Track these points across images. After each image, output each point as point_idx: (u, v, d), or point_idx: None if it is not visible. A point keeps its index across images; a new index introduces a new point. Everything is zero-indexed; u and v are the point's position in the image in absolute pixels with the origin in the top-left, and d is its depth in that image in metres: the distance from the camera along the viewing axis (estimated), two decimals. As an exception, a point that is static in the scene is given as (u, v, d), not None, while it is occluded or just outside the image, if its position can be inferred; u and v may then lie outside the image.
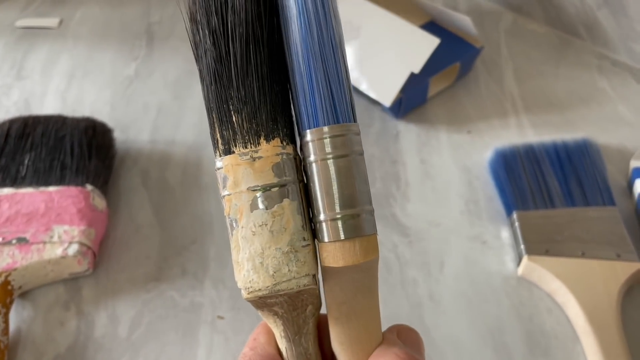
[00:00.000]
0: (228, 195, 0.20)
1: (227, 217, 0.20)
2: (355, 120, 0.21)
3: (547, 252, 0.38)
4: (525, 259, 0.38)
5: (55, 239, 0.37)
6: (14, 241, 0.37)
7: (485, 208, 0.43)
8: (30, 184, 0.40)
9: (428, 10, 0.54)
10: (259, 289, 0.20)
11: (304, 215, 0.20)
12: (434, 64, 0.48)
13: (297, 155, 0.21)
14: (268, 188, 0.20)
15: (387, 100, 0.48)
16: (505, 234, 0.42)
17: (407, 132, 0.49)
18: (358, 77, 0.50)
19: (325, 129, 0.20)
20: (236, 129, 0.21)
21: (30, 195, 0.39)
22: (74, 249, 0.37)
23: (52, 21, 0.61)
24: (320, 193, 0.20)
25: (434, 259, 0.40)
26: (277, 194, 0.20)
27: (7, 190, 0.39)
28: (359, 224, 0.20)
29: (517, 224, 0.40)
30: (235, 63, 0.20)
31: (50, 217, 0.38)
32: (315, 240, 0.21)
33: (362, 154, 0.20)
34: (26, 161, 0.41)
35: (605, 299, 0.36)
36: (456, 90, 0.53)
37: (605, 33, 0.55)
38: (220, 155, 0.21)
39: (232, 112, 0.21)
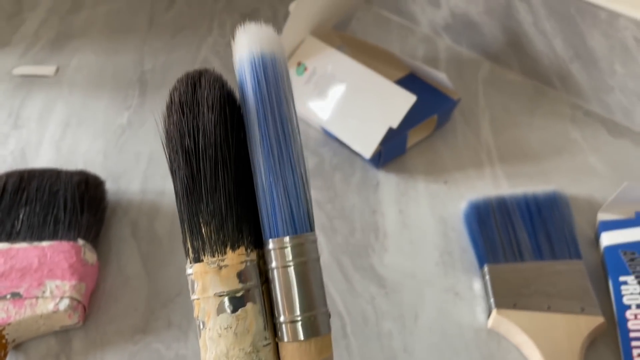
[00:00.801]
0: (197, 299, 0.23)
1: (196, 319, 0.23)
2: (312, 230, 0.23)
3: (514, 306, 0.40)
4: (494, 312, 0.40)
5: (48, 294, 0.39)
6: (8, 296, 0.39)
7: (459, 259, 0.45)
8: (24, 239, 0.42)
9: (408, 64, 0.57)
10: None
11: (265, 316, 0.23)
12: (412, 116, 0.51)
13: (261, 258, 0.24)
14: (233, 293, 0.22)
15: (367, 152, 0.50)
16: (477, 285, 0.44)
17: (387, 181, 0.52)
18: (340, 129, 0.52)
19: (286, 239, 0.23)
20: (205, 240, 0.23)
21: (24, 251, 0.41)
22: (65, 303, 0.39)
23: (49, 69, 0.64)
24: (281, 297, 0.23)
25: (408, 311, 0.42)
26: (241, 299, 0.23)
27: (2, 245, 0.41)
28: (315, 325, 0.22)
29: (487, 277, 0.42)
30: (205, 181, 0.23)
31: (43, 272, 0.40)
32: (276, 337, 0.23)
33: (318, 259, 0.23)
34: (21, 216, 0.43)
35: (568, 353, 0.38)
36: (434, 141, 0.55)
37: (578, 84, 0.58)
38: (190, 263, 0.23)
39: (201, 225, 0.23)
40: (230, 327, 0.22)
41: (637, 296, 0.40)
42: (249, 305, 0.22)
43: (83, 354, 0.40)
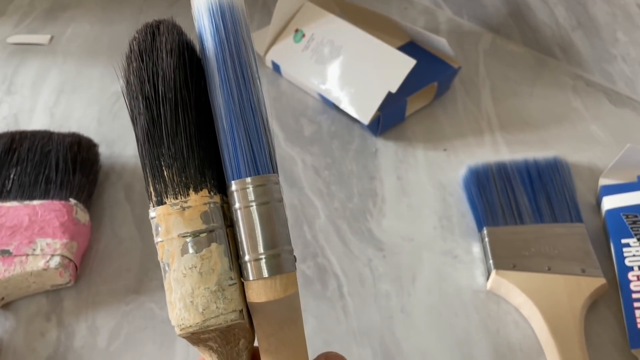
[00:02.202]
0: (161, 241, 0.23)
1: (160, 261, 0.23)
2: (275, 172, 0.24)
3: (514, 267, 0.40)
4: (493, 273, 0.40)
5: (38, 251, 0.38)
6: (-3, 253, 0.38)
7: (458, 224, 0.45)
8: (15, 198, 0.41)
9: (408, 31, 0.56)
10: (190, 326, 0.22)
11: (230, 258, 0.23)
12: (411, 83, 0.50)
13: (225, 203, 0.24)
14: (197, 234, 0.22)
15: (366, 118, 0.49)
16: (476, 249, 0.43)
17: (386, 149, 0.51)
18: (338, 95, 0.51)
19: (248, 179, 0.23)
20: (167, 182, 0.23)
21: (14, 209, 0.40)
22: (55, 261, 0.38)
23: (43, 38, 0.63)
24: (244, 236, 0.23)
25: (406, 273, 0.42)
26: (205, 239, 0.23)
27: (-8, 204, 0.41)
28: (279, 263, 0.22)
29: (487, 239, 0.42)
30: (165, 125, 0.23)
31: (33, 230, 0.39)
32: (242, 277, 0.23)
33: (281, 200, 0.24)
34: (12, 175, 0.42)
35: (569, 314, 0.37)
36: (434, 109, 0.54)
37: (579, 54, 0.57)
38: (153, 206, 0.23)
39: (163, 168, 0.23)
40: (195, 267, 0.22)
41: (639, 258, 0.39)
42: (213, 246, 0.22)
43: (74, 313, 0.39)
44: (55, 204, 0.41)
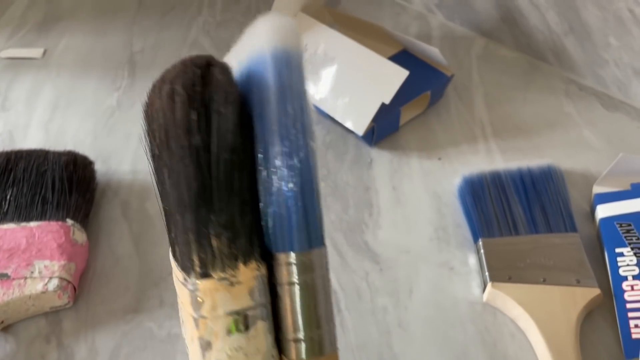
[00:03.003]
0: (203, 318, 0.21)
1: (198, 338, 0.21)
2: (324, 243, 0.21)
3: (510, 279, 0.40)
4: (489, 285, 0.40)
5: (36, 274, 0.38)
6: (-4, 277, 0.38)
7: (454, 234, 0.45)
8: (12, 220, 0.41)
9: (400, 41, 0.56)
10: None
11: (272, 333, 0.21)
12: (405, 93, 0.50)
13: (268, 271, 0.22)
14: (245, 312, 0.21)
15: (360, 129, 0.49)
16: (472, 259, 0.43)
17: (380, 159, 0.51)
18: (333, 106, 0.51)
19: (296, 254, 0.21)
20: (215, 253, 0.21)
21: (12, 231, 0.40)
22: (54, 284, 0.38)
23: (36, 51, 0.63)
24: (287, 314, 0.21)
25: (403, 286, 0.42)
26: (253, 317, 0.21)
27: (-11, 226, 0.41)
28: (320, 345, 0.21)
29: (482, 251, 0.42)
30: (219, 188, 0.20)
31: (31, 253, 0.39)
32: (281, 354, 0.22)
33: (328, 276, 0.21)
34: (8, 196, 0.42)
35: (564, 325, 0.37)
36: (428, 117, 0.54)
37: (572, 59, 0.57)
38: (197, 278, 0.21)
39: (211, 237, 0.21)
40: (241, 348, 0.20)
41: (634, 267, 0.40)
42: (260, 324, 0.21)
43: (74, 334, 0.39)
44: (53, 225, 0.41)
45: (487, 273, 0.40)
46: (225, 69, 0.22)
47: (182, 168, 0.21)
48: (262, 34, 0.22)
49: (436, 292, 0.41)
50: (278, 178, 0.21)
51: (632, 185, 0.44)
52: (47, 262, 0.39)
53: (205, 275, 0.21)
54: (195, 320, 0.21)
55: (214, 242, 0.21)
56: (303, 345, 0.21)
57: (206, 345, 0.21)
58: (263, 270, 0.21)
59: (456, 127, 0.54)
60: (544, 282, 0.39)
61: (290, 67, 0.21)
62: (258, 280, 0.21)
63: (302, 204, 0.21)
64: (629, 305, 0.38)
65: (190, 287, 0.21)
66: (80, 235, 0.42)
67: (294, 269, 0.21)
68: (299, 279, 0.21)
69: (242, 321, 0.20)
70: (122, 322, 0.40)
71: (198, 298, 0.20)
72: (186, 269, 0.21)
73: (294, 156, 0.21)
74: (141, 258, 0.44)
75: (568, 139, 0.52)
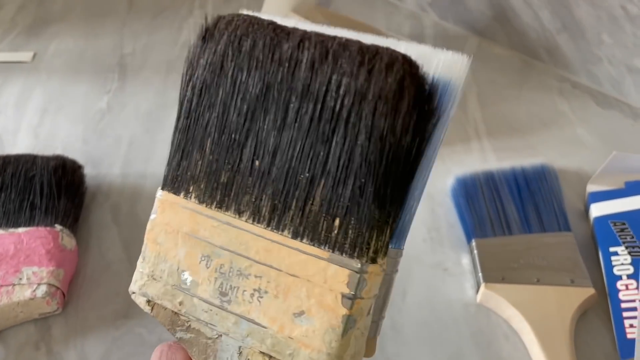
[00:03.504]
0: (360, 298, 0.22)
1: (349, 316, 0.22)
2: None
3: (503, 280, 0.40)
4: (482, 286, 0.40)
5: (24, 281, 0.38)
6: (-17, 284, 0.38)
7: (447, 235, 0.45)
8: (0, 226, 0.41)
9: (392, 39, 0.55)
10: None
11: None
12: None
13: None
14: (376, 297, 0.24)
15: (352, 130, 0.49)
16: (466, 260, 0.43)
17: (373, 160, 0.51)
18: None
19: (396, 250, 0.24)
20: (384, 242, 0.23)
21: (0, 237, 0.40)
22: (42, 290, 0.38)
23: (25, 55, 0.62)
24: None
25: (396, 288, 0.41)
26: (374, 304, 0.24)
27: (-23, 233, 0.40)
28: (377, 329, 0.24)
29: (475, 251, 0.41)
30: (394, 184, 0.23)
31: (19, 259, 0.39)
32: None
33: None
34: (-4, 202, 0.42)
35: (559, 325, 0.37)
36: (421, 117, 0.54)
37: (565, 56, 0.57)
38: (368, 261, 0.22)
39: (387, 227, 0.23)
40: (366, 327, 0.23)
41: (628, 266, 0.39)
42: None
43: (63, 340, 0.39)
44: (41, 231, 0.40)
45: (480, 274, 0.40)
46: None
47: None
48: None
49: (429, 294, 0.41)
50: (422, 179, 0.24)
51: (626, 183, 0.44)
52: (35, 269, 0.39)
53: (374, 260, 0.22)
54: (348, 300, 0.22)
55: (387, 233, 0.23)
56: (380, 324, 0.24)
57: (352, 323, 0.22)
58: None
59: (449, 126, 0.53)
60: (538, 282, 0.39)
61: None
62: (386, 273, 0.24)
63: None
64: (623, 305, 0.38)
65: (356, 267, 0.22)
66: (69, 241, 0.41)
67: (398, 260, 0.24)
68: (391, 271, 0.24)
69: (375, 305, 0.23)
70: (112, 328, 0.39)
71: (364, 279, 0.22)
72: (360, 250, 0.22)
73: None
74: (132, 263, 0.43)
75: (562, 137, 0.52)
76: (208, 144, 0.25)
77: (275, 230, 0.23)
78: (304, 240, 0.23)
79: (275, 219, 0.23)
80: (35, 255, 0.39)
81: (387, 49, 0.22)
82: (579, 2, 0.53)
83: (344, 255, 0.22)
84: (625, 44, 0.52)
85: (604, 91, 0.56)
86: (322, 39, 0.23)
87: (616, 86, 0.55)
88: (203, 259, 0.24)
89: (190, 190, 0.25)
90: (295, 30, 0.24)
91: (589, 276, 0.39)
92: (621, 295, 0.38)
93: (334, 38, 0.23)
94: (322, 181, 0.23)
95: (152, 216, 0.27)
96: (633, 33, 0.51)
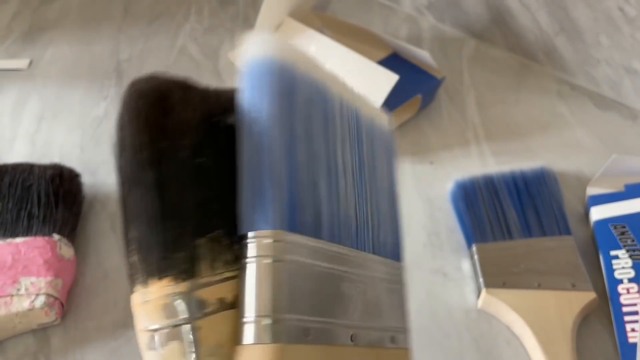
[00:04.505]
0: (136, 332, 0.21)
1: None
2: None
3: (504, 285, 0.39)
4: (483, 292, 0.39)
5: (23, 291, 0.38)
6: (-19, 295, 0.37)
7: (447, 240, 0.45)
8: (-3, 236, 0.40)
9: (390, 44, 0.55)
10: None
11: (198, 353, 0.21)
12: (396, 97, 0.50)
13: (205, 286, 0.22)
14: (158, 329, 0.21)
15: (350, 135, 0.49)
16: (466, 265, 0.43)
17: (372, 164, 0.50)
18: (322, 113, 0.51)
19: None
20: (136, 269, 0.21)
21: (-3, 248, 0.40)
22: (40, 301, 0.37)
23: (21, 62, 0.62)
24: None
25: (397, 294, 0.41)
26: (166, 336, 0.21)
27: (-26, 243, 0.40)
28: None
29: (476, 256, 0.41)
30: (129, 206, 0.22)
31: (17, 270, 0.39)
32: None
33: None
34: (-7, 212, 0.42)
35: (560, 330, 0.37)
36: (419, 121, 0.54)
37: (563, 58, 0.57)
38: (130, 293, 0.22)
39: (132, 253, 0.22)
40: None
41: (629, 270, 0.39)
42: (175, 344, 0.20)
43: (62, 351, 0.38)
44: (39, 241, 0.40)
45: (481, 279, 0.40)
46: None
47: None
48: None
49: (430, 300, 0.41)
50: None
51: (626, 186, 0.43)
52: (33, 279, 0.38)
53: (132, 291, 0.21)
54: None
55: (133, 258, 0.21)
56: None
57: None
58: (183, 287, 0.21)
59: (448, 130, 0.53)
60: (539, 287, 0.39)
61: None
62: (173, 297, 0.21)
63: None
64: (625, 309, 0.38)
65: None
66: (67, 250, 0.41)
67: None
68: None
69: (158, 338, 0.20)
70: (111, 338, 0.39)
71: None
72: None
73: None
74: (130, 271, 0.43)
75: (561, 140, 0.52)
76: None
77: None
78: None
79: None
80: (33, 265, 0.39)
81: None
82: (577, 4, 0.53)
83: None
84: (623, 45, 0.52)
85: (602, 93, 0.56)
86: None
87: (614, 88, 0.55)
88: None
89: None
90: None
91: (589, 280, 0.39)
92: (622, 299, 0.38)
93: None
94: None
95: None
96: (631, 35, 0.51)
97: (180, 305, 0.21)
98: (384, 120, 0.34)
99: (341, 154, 0.27)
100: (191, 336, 0.21)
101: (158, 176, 0.22)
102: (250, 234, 0.22)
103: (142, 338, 0.21)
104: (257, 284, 0.21)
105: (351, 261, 0.26)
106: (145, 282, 0.21)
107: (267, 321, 0.21)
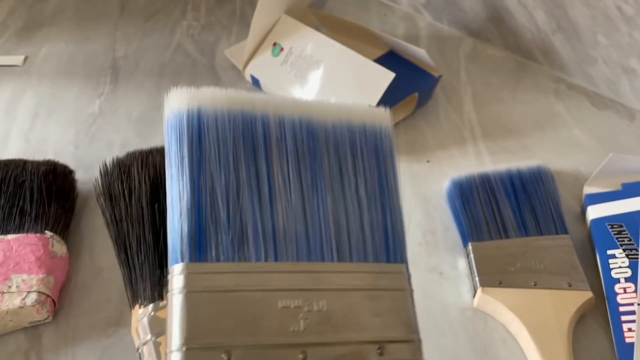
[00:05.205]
0: None
1: None
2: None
3: (500, 284, 0.39)
4: (479, 291, 0.39)
5: (14, 288, 0.37)
6: (-28, 292, 0.37)
7: (443, 238, 0.44)
8: (-11, 233, 0.40)
9: (387, 42, 0.55)
10: None
11: None
12: (392, 95, 0.49)
13: (158, 311, 0.31)
14: (141, 345, 0.28)
15: (347, 133, 0.48)
16: (462, 264, 0.42)
17: (368, 162, 0.50)
18: (318, 110, 0.50)
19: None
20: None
21: (-11, 245, 0.39)
22: (32, 298, 0.37)
23: (16, 59, 0.61)
24: None
25: (392, 293, 0.41)
26: (145, 350, 0.30)
27: (-35, 240, 0.39)
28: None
29: (472, 255, 0.41)
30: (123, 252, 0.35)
31: (8, 267, 0.38)
32: None
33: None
34: (-15, 209, 0.41)
35: (556, 330, 0.37)
36: (416, 119, 0.54)
37: (560, 57, 0.57)
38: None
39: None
40: None
41: (626, 269, 0.39)
42: (150, 358, 0.27)
43: (54, 349, 0.38)
44: (31, 238, 0.40)
45: (477, 278, 0.40)
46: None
47: None
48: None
49: (425, 298, 0.40)
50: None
51: (623, 185, 0.43)
52: (25, 276, 0.38)
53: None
54: None
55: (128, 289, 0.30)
56: None
57: None
58: (145, 311, 0.29)
59: (445, 129, 0.53)
60: (535, 286, 0.39)
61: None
62: (140, 321, 0.28)
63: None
64: (622, 309, 0.37)
65: None
66: (59, 248, 0.40)
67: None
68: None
69: (142, 353, 0.28)
70: (103, 337, 0.39)
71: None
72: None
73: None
74: (123, 269, 0.42)
75: (558, 139, 0.52)
76: None
77: None
78: None
79: None
80: (25, 262, 0.38)
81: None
82: (574, 2, 0.53)
83: None
84: (621, 44, 0.52)
85: (599, 92, 0.56)
86: None
87: (612, 87, 0.55)
88: None
89: None
90: None
91: (586, 280, 0.39)
92: (619, 299, 0.38)
93: None
94: None
95: None
96: (628, 33, 0.51)
97: (145, 326, 0.27)
98: (377, 120, 0.33)
99: (279, 173, 0.29)
100: (154, 350, 0.27)
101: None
102: (169, 270, 0.25)
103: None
104: (169, 317, 0.24)
105: (293, 277, 0.27)
106: (131, 309, 0.28)
107: (178, 355, 0.23)
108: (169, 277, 0.25)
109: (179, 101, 0.29)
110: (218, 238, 0.26)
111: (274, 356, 0.25)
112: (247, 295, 0.26)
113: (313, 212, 0.29)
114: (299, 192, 0.29)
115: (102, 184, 0.39)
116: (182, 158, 0.27)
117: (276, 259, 0.27)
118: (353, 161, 0.31)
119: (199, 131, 0.28)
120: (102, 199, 0.37)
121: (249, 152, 0.29)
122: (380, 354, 0.27)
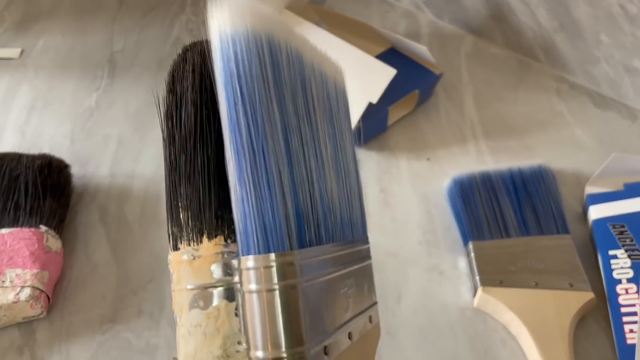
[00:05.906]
0: (173, 291, 0.20)
1: (173, 311, 0.20)
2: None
3: (501, 283, 0.39)
4: (479, 290, 0.39)
5: (7, 283, 0.37)
6: (-36, 287, 0.36)
7: (443, 237, 0.44)
8: (-18, 227, 0.39)
9: (388, 38, 0.54)
10: None
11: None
12: (393, 92, 0.49)
13: None
14: (206, 287, 0.20)
15: (347, 129, 0.48)
16: (462, 263, 0.42)
17: (368, 160, 0.50)
18: (318, 107, 0.50)
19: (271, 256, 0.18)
20: (182, 226, 0.21)
21: (-18, 239, 0.38)
22: (25, 293, 0.36)
23: (13, 52, 0.61)
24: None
25: (391, 292, 0.40)
26: (213, 295, 0.20)
27: (-42, 234, 0.39)
28: None
29: (472, 254, 0.41)
30: (184, 162, 0.21)
31: (2, 261, 0.38)
32: None
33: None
34: (-21, 202, 0.41)
35: (557, 330, 0.36)
36: (417, 117, 0.53)
37: (562, 56, 0.56)
38: (170, 250, 0.21)
39: (180, 210, 0.21)
40: (200, 326, 0.19)
41: (628, 270, 0.38)
42: (222, 303, 0.19)
43: (48, 345, 0.37)
44: (25, 232, 0.39)
45: (477, 277, 0.39)
46: (200, 49, 0.26)
47: (164, 144, 0.22)
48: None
49: (425, 298, 0.40)
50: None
51: (625, 185, 0.43)
52: (18, 271, 0.37)
53: (175, 248, 0.21)
54: (172, 294, 0.21)
55: (182, 215, 0.21)
56: None
57: (177, 320, 0.20)
58: (234, 247, 0.20)
59: (445, 127, 0.52)
60: (536, 286, 0.38)
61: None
62: (223, 257, 0.20)
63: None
64: (623, 310, 0.37)
65: (168, 259, 0.21)
66: (54, 242, 0.40)
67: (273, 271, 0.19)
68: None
69: (202, 297, 0.20)
70: (98, 333, 0.38)
71: (170, 271, 0.21)
72: (169, 242, 0.21)
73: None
74: (119, 265, 0.42)
75: (560, 138, 0.51)
76: None
77: None
78: None
79: None
80: (19, 257, 0.38)
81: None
82: (577, 1, 0.52)
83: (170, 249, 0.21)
84: (624, 44, 0.51)
85: (601, 92, 0.55)
86: None
87: (614, 87, 0.54)
88: None
89: None
90: None
91: (587, 280, 0.38)
92: (621, 300, 0.37)
93: None
94: None
95: None
96: (632, 33, 0.50)
97: (230, 265, 0.20)
98: (341, 75, 0.30)
99: (323, 132, 0.24)
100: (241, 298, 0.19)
101: (218, 136, 0.21)
102: (249, 260, 0.18)
103: (182, 296, 0.20)
104: (266, 320, 0.18)
105: (344, 257, 0.23)
106: (198, 239, 0.20)
107: None
108: (251, 270, 0.18)
109: (247, 19, 0.21)
110: (312, 215, 0.21)
111: (340, 343, 0.21)
112: (328, 282, 0.21)
113: (340, 182, 0.25)
114: (333, 157, 0.25)
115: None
116: (264, 93, 0.20)
117: (333, 239, 0.22)
118: (341, 121, 0.28)
119: (276, 61, 0.22)
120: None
121: (303, 99, 0.23)
122: (370, 321, 0.26)
